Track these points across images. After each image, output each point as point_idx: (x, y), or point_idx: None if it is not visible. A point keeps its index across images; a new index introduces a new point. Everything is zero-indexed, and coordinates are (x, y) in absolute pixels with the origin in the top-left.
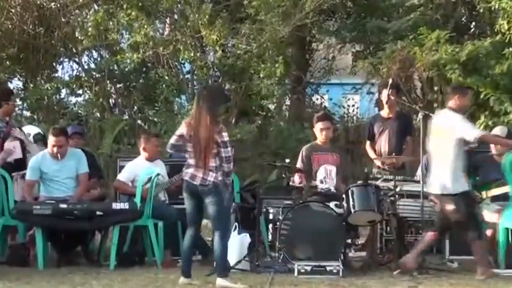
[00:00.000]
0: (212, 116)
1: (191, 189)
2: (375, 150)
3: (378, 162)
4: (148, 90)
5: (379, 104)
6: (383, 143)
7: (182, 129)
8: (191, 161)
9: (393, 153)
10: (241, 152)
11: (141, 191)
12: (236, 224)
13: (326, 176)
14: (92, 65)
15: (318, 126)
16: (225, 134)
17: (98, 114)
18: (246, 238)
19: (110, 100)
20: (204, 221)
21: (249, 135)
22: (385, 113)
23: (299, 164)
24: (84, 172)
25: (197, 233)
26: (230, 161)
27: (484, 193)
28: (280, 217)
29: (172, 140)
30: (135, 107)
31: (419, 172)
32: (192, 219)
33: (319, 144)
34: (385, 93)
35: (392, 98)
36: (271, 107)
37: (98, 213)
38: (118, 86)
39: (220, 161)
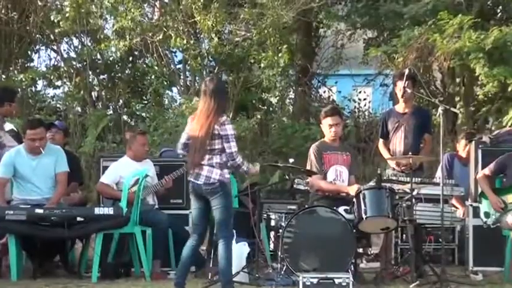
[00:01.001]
0: (218, 108)
1: (196, 191)
2: (389, 150)
3: (392, 163)
4: (136, 81)
5: (393, 97)
6: (398, 141)
7: (188, 126)
8: (191, 159)
9: (409, 153)
10: (239, 150)
11: (127, 195)
12: (234, 231)
13: (336, 177)
14: (72, 54)
15: (326, 122)
16: (228, 126)
17: (79, 109)
18: (245, 247)
19: (93, 93)
20: None
21: (248, 132)
22: (400, 107)
23: (310, 166)
24: (63, 171)
25: (200, 242)
26: (234, 157)
27: (509, 197)
28: (283, 224)
29: (183, 138)
30: (121, 101)
31: (439, 173)
32: (196, 225)
33: (328, 143)
34: (400, 85)
35: (408, 90)
36: (273, 100)
37: (78, 219)
38: (101, 77)
39: (227, 159)
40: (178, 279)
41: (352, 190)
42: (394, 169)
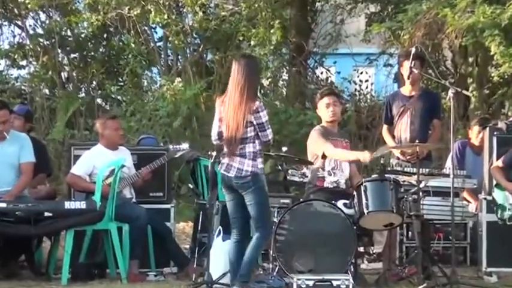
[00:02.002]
0: (250, 91)
1: (227, 184)
2: (393, 137)
3: (396, 152)
4: (111, 61)
5: (398, 79)
6: (403, 127)
7: (217, 111)
8: (227, 150)
9: (416, 140)
10: None
11: (102, 187)
12: (220, 227)
13: (335, 166)
14: (39, 30)
15: (323, 102)
16: (263, 113)
17: (47, 91)
18: None
19: (62, 73)
20: (181, 224)
21: None
22: (406, 90)
23: (321, 142)
24: (28, 161)
25: (243, 236)
26: (271, 143)
27: None
28: (276, 219)
29: (216, 126)
30: (94, 82)
31: (448, 163)
32: (234, 218)
33: (327, 128)
34: (406, 65)
35: (415, 71)
36: (265, 82)
37: (46, 214)
38: (72, 56)
39: (261, 146)
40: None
41: (365, 156)
42: (398, 159)
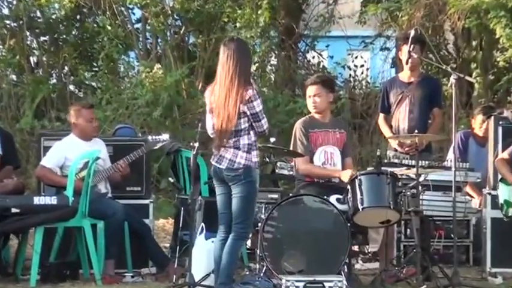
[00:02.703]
0: (242, 78)
1: (218, 176)
2: (390, 127)
3: (394, 143)
4: (84, 44)
5: (396, 64)
6: (402, 116)
7: (207, 102)
8: (216, 141)
9: (415, 131)
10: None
11: (74, 181)
12: (203, 224)
13: (326, 160)
14: (5, 11)
15: (307, 93)
16: (256, 102)
17: (14, 77)
18: None
19: (31, 58)
20: (161, 221)
21: None
22: (405, 75)
23: (294, 146)
24: None
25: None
26: (266, 134)
27: None
28: (263, 216)
29: (209, 121)
30: (66, 68)
31: (450, 155)
32: (223, 214)
33: (316, 119)
34: (405, 49)
35: (414, 55)
36: (252, 67)
37: (13, 210)
38: (42, 38)
39: (256, 137)
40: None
41: (345, 176)
42: (396, 150)
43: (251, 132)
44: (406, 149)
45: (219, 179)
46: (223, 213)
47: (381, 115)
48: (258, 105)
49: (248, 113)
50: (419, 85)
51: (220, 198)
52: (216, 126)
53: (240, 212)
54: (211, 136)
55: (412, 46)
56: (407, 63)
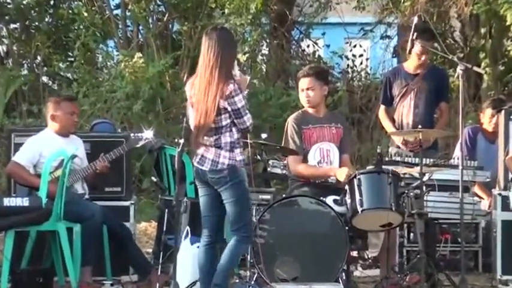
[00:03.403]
0: (222, 71)
1: (201, 178)
2: (393, 120)
3: (397, 139)
4: (59, 32)
5: (398, 53)
6: (406, 111)
7: (188, 96)
8: (193, 137)
9: (419, 126)
10: None
11: (48, 181)
12: (188, 228)
13: (322, 159)
14: None
15: (299, 86)
16: (238, 98)
17: None
18: None
19: (0, 47)
20: (143, 224)
21: None
22: (410, 66)
23: (286, 143)
24: None
25: (215, 238)
26: (249, 130)
27: None
28: (254, 218)
29: (191, 117)
30: (39, 58)
31: (457, 153)
32: (206, 217)
33: (310, 113)
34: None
35: (418, 45)
36: (242, 58)
37: None
38: (12, 26)
39: (239, 134)
40: None
41: (341, 174)
42: (399, 147)
43: (233, 129)
44: (411, 146)
45: (201, 180)
46: (206, 216)
47: (382, 107)
48: (240, 101)
49: (229, 109)
50: (426, 77)
51: (204, 200)
52: (194, 123)
53: (237, 217)
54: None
55: (415, 34)
56: (410, 52)
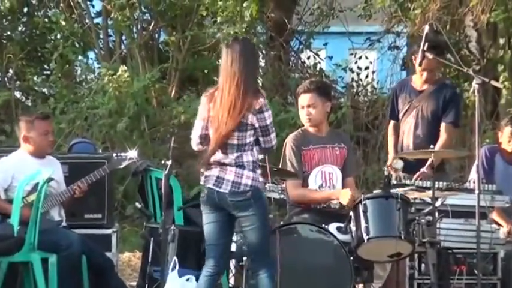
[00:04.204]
0: (250, 84)
1: (215, 203)
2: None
3: (394, 163)
4: (33, 43)
5: (408, 65)
6: (407, 129)
7: (203, 107)
8: (208, 155)
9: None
10: (186, 143)
11: (21, 207)
12: (175, 259)
13: (324, 182)
14: None
15: (299, 103)
16: (268, 113)
17: None
18: (191, 283)
19: None
20: (126, 255)
21: None
22: (417, 80)
23: (289, 166)
24: None
25: (219, 270)
26: (271, 152)
27: None
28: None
29: (199, 128)
30: (11, 71)
31: (473, 175)
32: (213, 246)
33: (311, 132)
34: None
35: (429, 56)
36: None
37: None
38: None
39: (262, 152)
40: None
41: (344, 196)
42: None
43: (255, 149)
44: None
45: (213, 205)
46: (214, 245)
47: (391, 123)
48: (269, 117)
49: (257, 125)
50: (433, 95)
51: (212, 227)
52: (213, 139)
53: (262, 247)
54: (196, 148)
55: (425, 44)
56: (421, 64)
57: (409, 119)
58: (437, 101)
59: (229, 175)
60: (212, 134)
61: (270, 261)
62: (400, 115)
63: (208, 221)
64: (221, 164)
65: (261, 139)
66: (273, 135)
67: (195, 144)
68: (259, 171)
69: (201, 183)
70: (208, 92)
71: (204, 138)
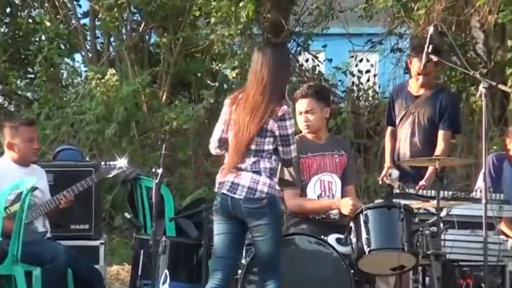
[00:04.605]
0: (276, 90)
1: (228, 210)
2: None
3: (390, 173)
4: (17, 45)
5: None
6: (403, 137)
7: (225, 110)
8: (228, 162)
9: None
10: (178, 149)
11: (3, 217)
12: (166, 272)
13: (323, 191)
14: None
15: (296, 109)
16: (290, 122)
17: None
18: None
19: None
20: (115, 268)
21: (192, 122)
22: (414, 85)
23: (286, 175)
24: None
25: (225, 284)
26: (290, 165)
27: None
28: (244, 261)
29: (218, 131)
30: None
31: (480, 184)
32: (222, 258)
33: (309, 139)
34: (416, 62)
35: (434, 58)
36: (230, 74)
37: None
38: None
39: (280, 163)
40: None
41: (345, 205)
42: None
43: (273, 157)
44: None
45: (226, 214)
46: (223, 258)
47: (388, 129)
48: (291, 126)
49: (277, 133)
50: (429, 101)
51: (223, 239)
52: (232, 142)
53: (272, 259)
54: (214, 152)
55: (430, 47)
56: (425, 67)
57: (406, 126)
58: (434, 107)
59: (244, 181)
60: (231, 138)
61: (279, 273)
62: (397, 121)
63: (219, 231)
64: (237, 169)
65: (280, 149)
66: (293, 147)
67: (213, 147)
68: (276, 178)
69: (215, 189)
70: (233, 94)
71: (224, 142)
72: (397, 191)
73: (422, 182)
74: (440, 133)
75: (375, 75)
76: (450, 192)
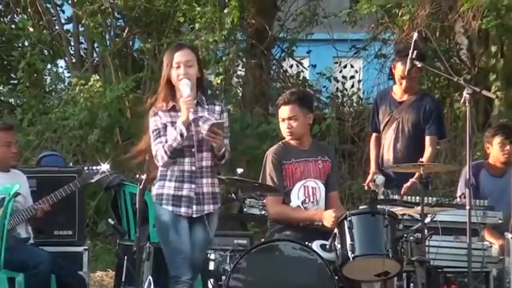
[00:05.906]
0: None
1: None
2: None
3: (375, 179)
4: (0, 51)
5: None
6: (387, 144)
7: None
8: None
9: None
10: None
11: None
12: (150, 278)
13: (307, 198)
14: None
15: (279, 115)
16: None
17: None
18: None
19: None
20: (98, 274)
21: None
22: (397, 91)
23: (269, 181)
24: None
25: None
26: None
27: None
28: (228, 267)
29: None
30: None
31: (462, 190)
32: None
33: (292, 146)
34: (399, 66)
35: (418, 64)
36: (215, 80)
37: None
38: None
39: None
40: None
41: (328, 219)
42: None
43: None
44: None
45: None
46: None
47: (373, 136)
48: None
49: None
50: (413, 107)
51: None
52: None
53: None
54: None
55: (414, 53)
56: (409, 73)
57: (390, 132)
58: (418, 112)
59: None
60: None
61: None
62: (381, 127)
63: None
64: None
65: None
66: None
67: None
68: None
69: None
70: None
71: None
72: (382, 197)
73: (406, 184)
74: (427, 138)
75: (359, 81)
76: (434, 199)
